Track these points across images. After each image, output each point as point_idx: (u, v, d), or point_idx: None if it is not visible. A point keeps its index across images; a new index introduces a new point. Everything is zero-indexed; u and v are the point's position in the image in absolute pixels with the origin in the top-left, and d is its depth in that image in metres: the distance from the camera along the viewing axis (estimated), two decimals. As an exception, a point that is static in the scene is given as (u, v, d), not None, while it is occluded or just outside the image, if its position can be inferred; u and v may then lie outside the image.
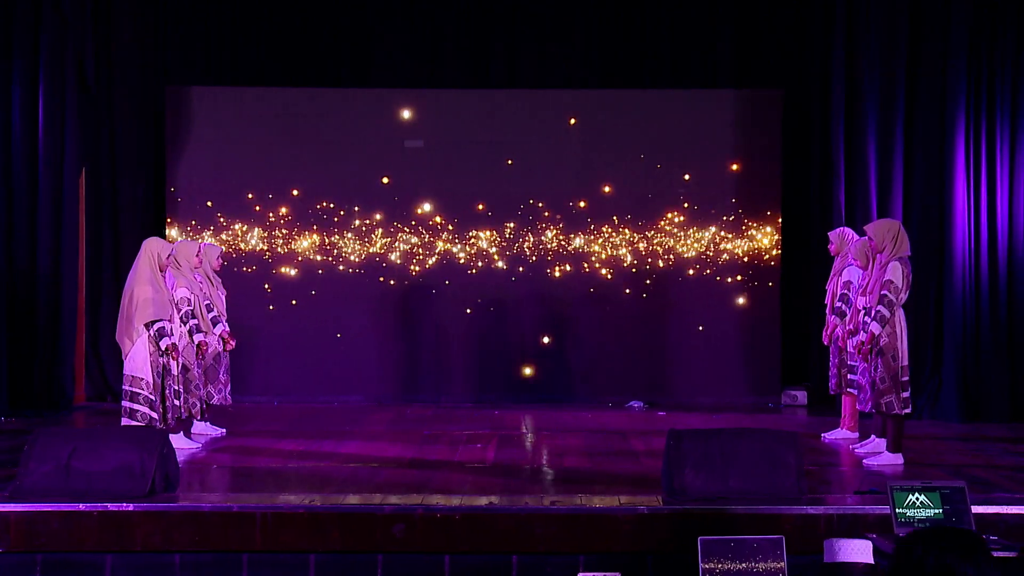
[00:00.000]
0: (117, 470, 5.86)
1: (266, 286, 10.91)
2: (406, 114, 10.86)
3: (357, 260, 10.95)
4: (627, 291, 10.92)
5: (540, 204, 10.91)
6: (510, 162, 10.84)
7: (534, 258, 10.93)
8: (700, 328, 10.87)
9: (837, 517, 5.56)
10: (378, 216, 10.92)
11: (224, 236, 10.84)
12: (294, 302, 10.90)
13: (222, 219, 10.89)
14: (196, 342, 7.93)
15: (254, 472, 7.06)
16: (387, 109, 10.93)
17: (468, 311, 10.96)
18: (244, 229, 10.91)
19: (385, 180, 10.86)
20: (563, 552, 5.60)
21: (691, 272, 10.88)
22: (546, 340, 10.95)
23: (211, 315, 8.32)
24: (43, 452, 5.97)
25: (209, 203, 10.88)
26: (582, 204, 10.90)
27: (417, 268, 10.95)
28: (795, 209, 10.89)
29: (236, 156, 10.91)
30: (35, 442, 6.04)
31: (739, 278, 10.87)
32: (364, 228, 10.94)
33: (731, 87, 11.01)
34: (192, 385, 7.92)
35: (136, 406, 7.18)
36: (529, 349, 10.97)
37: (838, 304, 8.14)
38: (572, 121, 10.85)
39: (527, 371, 10.91)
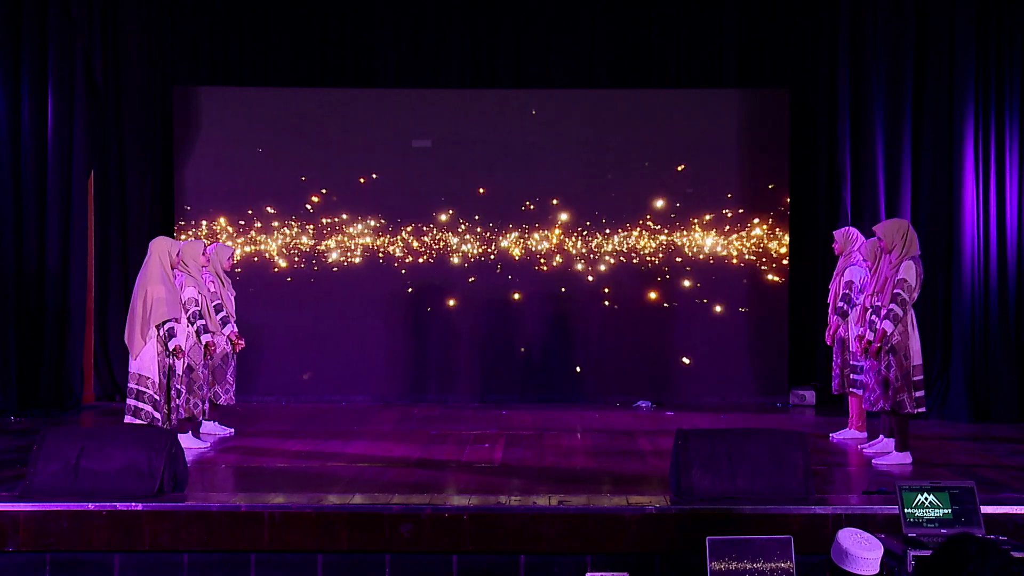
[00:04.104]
0: (125, 470, 5.88)
1: (276, 285, 10.92)
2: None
3: (364, 259, 10.95)
4: (634, 290, 10.91)
5: (547, 204, 10.91)
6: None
7: (541, 257, 10.93)
8: (707, 328, 10.86)
9: (845, 517, 5.55)
10: (386, 216, 10.93)
11: (232, 236, 10.85)
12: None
13: (229, 219, 10.91)
14: (204, 343, 7.94)
15: (262, 472, 7.07)
16: (394, 109, 10.94)
17: (475, 311, 10.96)
18: (252, 229, 10.92)
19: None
20: (570, 552, 5.61)
21: (698, 271, 10.87)
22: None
23: (220, 315, 8.34)
24: (52, 452, 5.99)
25: (216, 203, 10.90)
26: (589, 203, 10.90)
27: (424, 268, 10.95)
28: (803, 208, 10.88)
29: (243, 156, 10.92)
30: (43, 442, 6.06)
31: (746, 277, 10.85)
32: (371, 227, 10.94)
33: (737, 87, 11.01)
34: (196, 385, 7.92)
35: (141, 405, 7.18)
36: (537, 349, 10.97)
37: (840, 304, 8.14)
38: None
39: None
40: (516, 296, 10.96)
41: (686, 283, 10.89)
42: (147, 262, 7.37)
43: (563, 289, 10.93)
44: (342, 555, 5.65)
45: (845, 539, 4.26)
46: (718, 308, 10.87)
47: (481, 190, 10.92)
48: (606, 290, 10.92)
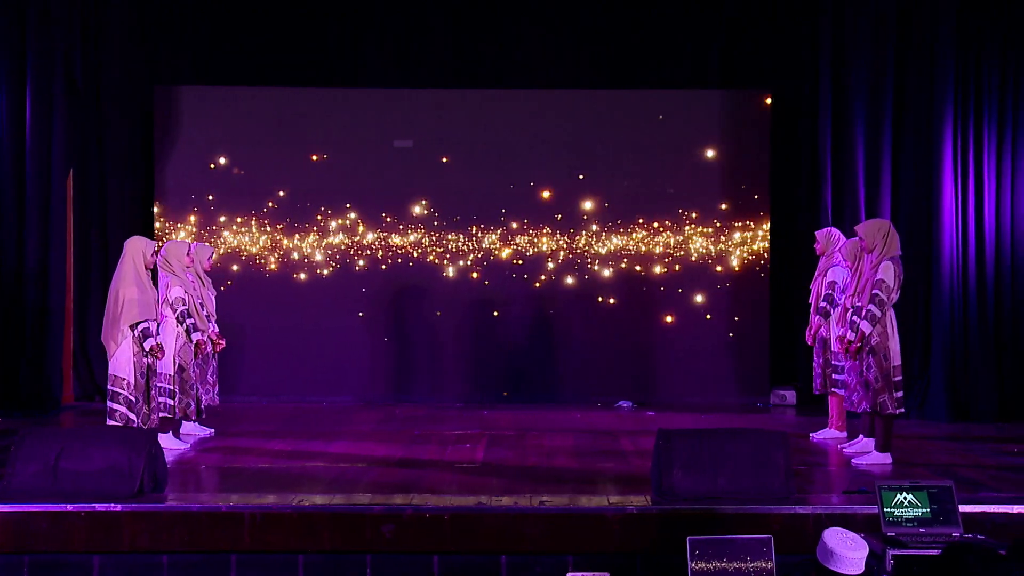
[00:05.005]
0: (105, 470, 5.85)
1: (258, 285, 10.89)
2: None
3: (346, 260, 10.93)
4: (616, 291, 10.93)
5: (530, 204, 10.92)
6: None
7: (523, 258, 10.93)
8: (688, 328, 10.88)
9: (826, 517, 5.57)
10: (369, 216, 10.91)
11: (213, 236, 10.82)
12: (302, 276, 10.90)
13: (210, 219, 10.87)
14: (194, 341, 7.92)
15: (243, 472, 7.04)
16: (377, 109, 10.92)
17: (459, 311, 10.95)
18: (233, 229, 10.88)
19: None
20: (552, 552, 5.61)
21: (680, 272, 10.90)
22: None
23: (202, 314, 8.31)
24: (30, 452, 5.96)
25: (197, 202, 10.86)
26: (572, 204, 10.90)
27: (408, 268, 10.94)
28: (784, 209, 10.91)
29: (225, 156, 10.88)
30: (22, 442, 6.02)
31: (728, 277, 10.88)
32: (355, 228, 10.93)
33: (720, 87, 11.03)
34: (188, 385, 7.91)
35: (116, 406, 7.15)
36: (519, 349, 10.97)
37: (822, 304, 8.18)
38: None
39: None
40: (499, 296, 10.96)
41: (667, 283, 10.91)
42: (121, 262, 7.32)
43: (546, 289, 10.93)
44: (323, 555, 5.63)
45: (831, 538, 4.28)
46: (699, 308, 10.90)
47: (462, 191, 10.90)
48: (588, 290, 10.93)
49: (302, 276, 10.93)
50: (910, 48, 9.73)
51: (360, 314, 10.91)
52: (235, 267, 10.87)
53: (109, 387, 7.20)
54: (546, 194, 10.91)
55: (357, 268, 10.93)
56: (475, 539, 5.63)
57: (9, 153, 9.83)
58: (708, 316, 10.90)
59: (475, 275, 10.94)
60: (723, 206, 10.86)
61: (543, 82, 11.11)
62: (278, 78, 11.02)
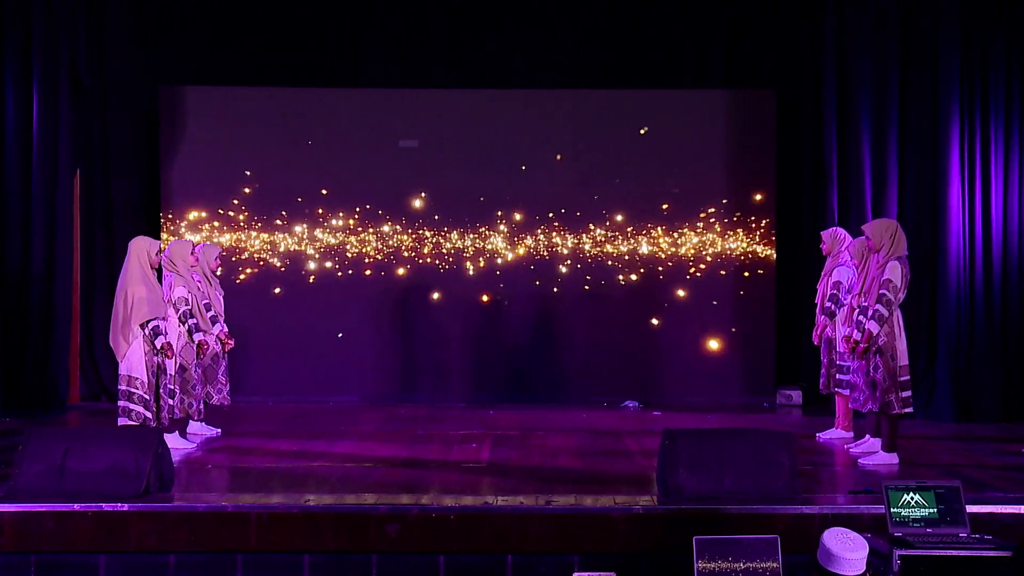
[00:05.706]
0: (111, 470, 5.86)
1: (262, 284, 10.90)
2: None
3: (351, 260, 10.94)
4: (621, 291, 10.93)
5: (533, 204, 10.92)
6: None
7: (528, 258, 10.93)
8: (694, 328, 10.88)
9: (832, 517, 5.57)
10: (372, 216, 10.92)
11: (218, 236, 10.82)
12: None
13: (215, 219, 10.88)
14: (196, 342, 7.92)
15: (249, 472, 7.05)
16: (382, 109, 10.92)
17: (462, 311, 10.95)
18: (238, 229, 10.89)
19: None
20: (558, 552, 5.61)
21: (685, 272, 10.90)
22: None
23: (209, 315, 8.31)
24: (37, 452, 5.97)
25: (202, 202, 10.87)
26: (575, 204, 10.90)
27: (411, 268, 10.95)
28: (789, 209, 10.90)
29: (229, 155, 10.89)
30: (28, 442, 6.03)
31: (733, 278, 10.88)
32: (358, 228, 10.93)
33: (724, 87, 11.02)
34: (189, 385, 7.91)
35: (131, 405, 7.16)
36: (522, 349, 10.97)
37: (827, 304, 8.17)
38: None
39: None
40: (503, 296, 10.96)
41: (672, 283, 10.90)
42: (126, 263, 7.33)
43: (550, 289, 10.93)
44: (329, 555, 5.64)
45: (829, 540, 4.28)
46: (705, 308, 10.89)
47: (467, 190, 10.90)
48: (593, 290, 10.92)
49: (305, 276, 10.94)
50: (913, 46, 9.72)
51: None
52: (238, 266, 10.87)
53: (123, 387, 7.19)
54: (551, 194, 10.90)
55: (359, 268, 10.94)
56: (481, 539, 5.63)
57: (16, 152, 9.84)
58: (713, 316, 10.89)
59: (477, 275, 10.94)
60: (728, 207, 10.85)
61: (543, 82, 11.10)
62: (279, 78, 11.02)
